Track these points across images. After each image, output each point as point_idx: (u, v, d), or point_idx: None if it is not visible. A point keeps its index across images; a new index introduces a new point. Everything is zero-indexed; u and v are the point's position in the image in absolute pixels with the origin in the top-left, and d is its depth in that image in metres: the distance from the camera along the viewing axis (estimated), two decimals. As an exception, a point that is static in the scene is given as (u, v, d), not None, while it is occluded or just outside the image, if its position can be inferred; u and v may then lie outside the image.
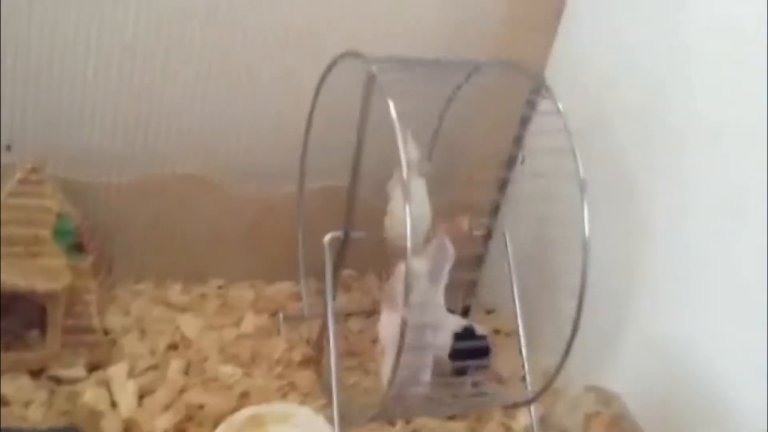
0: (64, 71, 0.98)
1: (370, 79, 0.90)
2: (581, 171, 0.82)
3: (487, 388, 1.03)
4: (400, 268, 0.92)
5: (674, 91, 0.96)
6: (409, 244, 0.73)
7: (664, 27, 0.98)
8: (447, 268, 0.94)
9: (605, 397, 0.74)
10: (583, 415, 0.72)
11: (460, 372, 0.95)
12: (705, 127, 0.91)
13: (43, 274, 0.89)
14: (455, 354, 0.95)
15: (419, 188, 0.95)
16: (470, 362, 0.95)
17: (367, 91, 0.91)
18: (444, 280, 0.94)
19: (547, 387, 0.88)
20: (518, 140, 1.16)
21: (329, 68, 0.94)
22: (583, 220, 0.81)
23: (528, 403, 0.95)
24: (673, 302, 0.94)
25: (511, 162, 1.25)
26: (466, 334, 0.97)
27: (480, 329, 0.99)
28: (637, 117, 1.01)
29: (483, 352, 0.97)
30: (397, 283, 0.92)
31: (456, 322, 0.99)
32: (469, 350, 0.94)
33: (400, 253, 0.81)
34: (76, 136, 1.02)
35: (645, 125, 1.00)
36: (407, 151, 0.93)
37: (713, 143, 0.90)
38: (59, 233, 0.93)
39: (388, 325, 0.95)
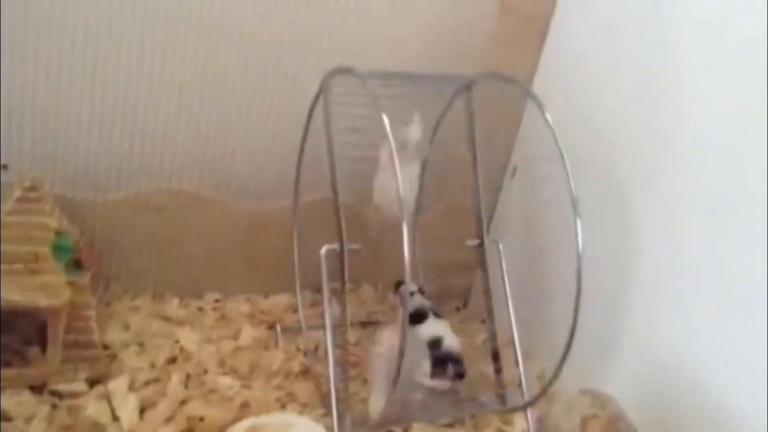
0: (60, 91, 0.99)
1: (324, 89, 0.92)
2: (572, 185, 0.83)
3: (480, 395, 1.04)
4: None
5: (663, 99, 0.98)
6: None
7: (651, 36, 1.00)
8: None
9: (601, 400, 0.76)
10: (580, 418, 0.73)
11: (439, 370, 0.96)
12: (694, 134, 0.93)
13: (42, 290, 0.89)
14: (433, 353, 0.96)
15: (411, 169, 0.97)
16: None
17: (325, 102, 0.93)
18: None
19: (543, 392, 0.90)
20: (509, 152, 1.18)
21: (322, 84, 0.95)
22: (576, 234, 0.82)
23: (524, 407, 0.97)
24: (666, 307, 0.96)
25: (502, 173, 1.27)
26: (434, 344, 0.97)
27: (450, 340, 0.98)
28: (626, 125, 1.03)
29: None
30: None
31: (427, 330, 0.99)
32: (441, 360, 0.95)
33: (385, 223, 0.81)
34: (73, 154, 1.03)
35: (634, 133, 1.02)
36: (411, 132, 0.95)
37: (702, 150, 0.92)
38: (58, 250, 0.94)
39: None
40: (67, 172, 1.04)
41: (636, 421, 0.76)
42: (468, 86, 1.02)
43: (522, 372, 1.00)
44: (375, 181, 1.00)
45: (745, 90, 0.86)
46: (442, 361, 0.95)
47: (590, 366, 1.04)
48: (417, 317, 1.00)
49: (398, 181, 0.76)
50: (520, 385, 0.99)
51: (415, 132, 0.97)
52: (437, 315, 1.02)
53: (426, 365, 0.95)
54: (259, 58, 1.07)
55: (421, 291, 1.11)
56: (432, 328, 0.99)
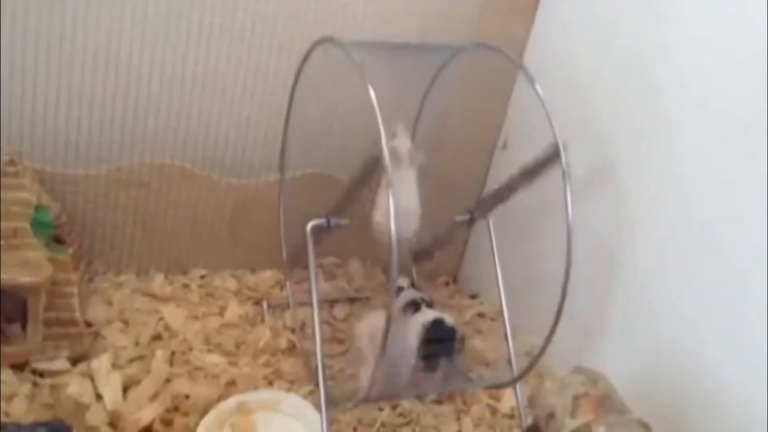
0: (38, 63, 0.96)
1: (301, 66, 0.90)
2: (563, 157, 0.82)
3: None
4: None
5: (655, 71, 0.96)
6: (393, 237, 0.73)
7: (642, 7, 0.99)
8: None
9: (593, 378, 0.75)
10: (571, 396, 0.72)
11: (430, 364, 0.95)
12: (689, 109, 0.92)
13: (22, 266, 0.87)
14: (425, 347, 0.95)
15: (409, 180, 0.95)
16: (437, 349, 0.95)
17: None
18: None
19: (530, 368, 0.89)
20: (499, 125, 1.16)
21: (307, 55, 0.93)
22: (566, 204, 0.81)
23: (512, 383, 0.96)
24: (658, 284, 0.95)
25: (493, 147, 1.25)
26: (435, 327, 0.96)
27: (449, 320, 0.98)
28: (618, 98, 1.02)
29: (451, 343, 0.96)
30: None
31: (425, 316, 0.98)
32: (438, 342, 0.95)
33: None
34: (53, 128, 1.01)
35: (626, 107, 1.00)
36: (399, 143, 0.94)
37: (698, 127, 0.90)
38: (38, 225, 0.92)
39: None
40: (47, 145, 1.02)
41: (626, 398, 0.75)
42: (454, 56, 1.00)
43: (511, 347, 0.99)
44: (377, 200, 0.98)
45: (739, 60, 0.85)
46: (432, 355, 0.94)
47: (581, 342, 1.04)
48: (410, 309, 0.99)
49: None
50: (509, 360, 0.99)
51: (403, 142, 0.95)
52: (429, 305, 1.01)
53: (412, 358, 0.94)
54: (245, 29, 1.04)
55: (413, 284, 1.10)
56: (426, 317, 0.98)
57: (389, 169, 0.74)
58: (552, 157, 0.84)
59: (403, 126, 0.96)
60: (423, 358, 0.94)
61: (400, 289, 1.05)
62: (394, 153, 0.93)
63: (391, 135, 0.97)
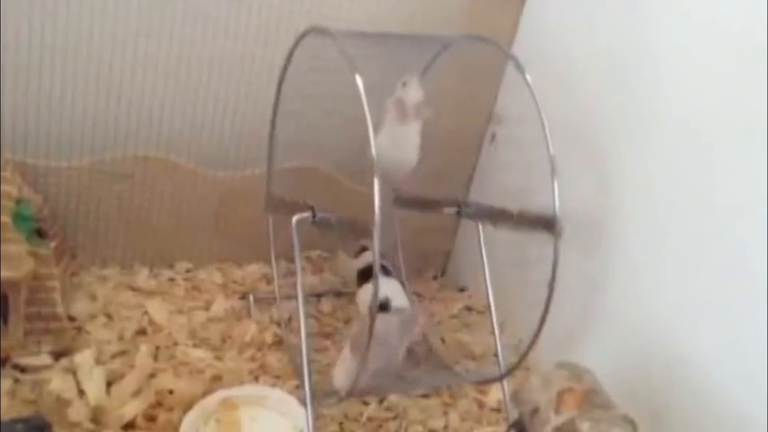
0: (20, 54, 0.94)
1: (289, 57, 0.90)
2: (551, 147, 0.81)
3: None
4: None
5: (642, 62, 0.96)
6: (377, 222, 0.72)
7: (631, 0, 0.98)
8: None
9: (577, 373, 0.75)
10: (556, 391, 0.72)
11: None
12: (676, 101, 0.91)
13: (3, 261, 0.86)
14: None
15: (411, 134, 0.95)
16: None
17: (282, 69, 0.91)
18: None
19: (518, 364, 0.89)
20: (488, 117, 1.16)
21: (295, 45, 0.92)
22: (553, 195, 0.80)
23: (499, 379, 0.96)
24: (647, 279, 0.95)
25: (482, 138, 1.24)
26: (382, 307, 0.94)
27: (400, 300, 0.96)
28: (606, 90, 1.01)
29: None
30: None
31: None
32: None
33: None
34: (35, 119, 0.99)
35: (614, 98, 1.00)
36: (407, 94, 0.93)
37: (684, 118, 0.90)
38: (19, 219, 0.90)
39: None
40: (29, 137, 1.00)
41: (613, 394, 0.75)
42: (445, 48, 0.99)
43: (498, 342, 0.98)
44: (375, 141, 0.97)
45: (721, 53, 0.85)
46: None
47: (568, 337, 1.03)
48: (365, 274, 0.98)
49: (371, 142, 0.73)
50: (495, 355, 0.98)
51: (412, 94, 0.94)
52: (387, 273, 1.00)
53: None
54: (230, 19, 1.03)
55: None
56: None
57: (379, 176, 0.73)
58: (546, 227, 0.83)
59: (417, 78, 0.95)
60: None
61: (364, 248, 1.04)
62: (397, 104, 0.94)
63: (401, 84, 0.96)
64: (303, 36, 0.90)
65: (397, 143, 0.96)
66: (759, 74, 0.79)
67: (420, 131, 0.97)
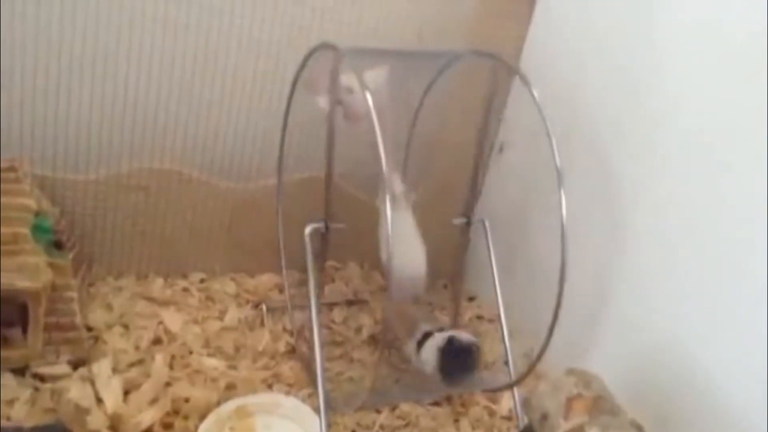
0: (38, 69, 0.97)
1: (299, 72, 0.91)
2: (557, 159, 0.82)
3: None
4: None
5: (650, 74, 0.97)
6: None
7: (636, 13, 0.99)
8: None
9: (586, 379, 0.75)
10: (565, 397, 0.73)
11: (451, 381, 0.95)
12: (681, 112, 0.92)
13: (22, 272, 0.88)
14: (443, 368, 0.94)
15: (406, 221, 0.96)
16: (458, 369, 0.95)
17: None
18: None
19: (529, 372, 0.90)
20: (495, 129, 1.17)
21: (305, 61, 0.94)
22: (560, 206, 0.82)
23: (510, 386, 0.97)
24: (654, 286, 0.95)
25: (488, 150, 1.25)
26: (450, 346, 0.94)
27: (465, 337, 0.95)
28: (613, 103, 1.02)
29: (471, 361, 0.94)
30: None
31: (440, 338, 0.96)
32: (457, 363, 0.94)
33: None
34: (53, 133, 1.01)
35: (621, 107, 1.01)
36: (391, 186, 0.94)
37: (690, 129, 0.91)
38: (38, 231, 0.92)
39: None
40: (47, 151, 1.02)
41: (621, 400, 0.76)
42: (453, 62, 1.01)
43: (508, 350, 0.99)
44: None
45: (729, 58, 0.86)
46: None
47: (578, 344, 1.04)
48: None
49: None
50: (506, 363, 0.99)
51: (396, 185, 0.97)
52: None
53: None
54: (243, 35, 1.05)
55: None
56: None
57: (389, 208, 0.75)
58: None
59: (390, 169, 0.97)
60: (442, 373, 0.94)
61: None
62: (393, 198, 0.95)
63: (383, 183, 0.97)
64: (312, 53, 0.92)
65: (400, 235, 0.95)
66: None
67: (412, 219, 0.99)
